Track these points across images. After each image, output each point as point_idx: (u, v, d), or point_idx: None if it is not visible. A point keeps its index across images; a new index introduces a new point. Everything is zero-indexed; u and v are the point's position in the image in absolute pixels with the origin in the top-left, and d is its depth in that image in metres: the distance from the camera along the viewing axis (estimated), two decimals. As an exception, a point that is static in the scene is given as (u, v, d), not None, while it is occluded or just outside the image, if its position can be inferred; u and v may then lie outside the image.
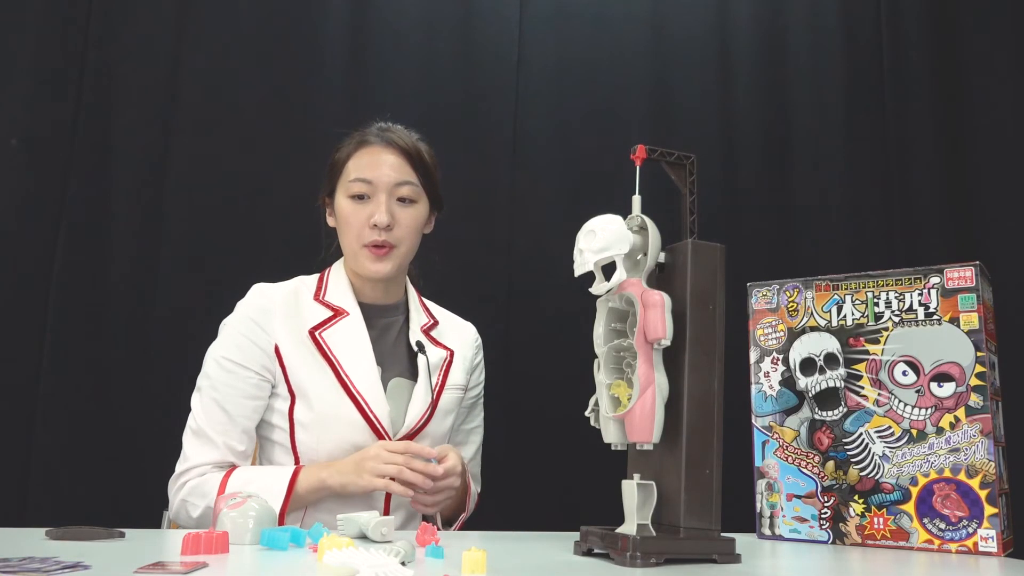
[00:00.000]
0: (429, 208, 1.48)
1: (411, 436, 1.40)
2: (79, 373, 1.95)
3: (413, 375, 1.46)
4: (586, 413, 1.07)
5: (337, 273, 1.49)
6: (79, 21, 2.07)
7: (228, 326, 1.41)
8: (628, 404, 0.99)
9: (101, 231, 2.02)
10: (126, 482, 1.91)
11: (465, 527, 1.47)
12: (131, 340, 1.99)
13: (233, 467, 1.36)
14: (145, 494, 1.68)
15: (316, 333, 1.40)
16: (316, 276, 1.50)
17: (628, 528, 0.99)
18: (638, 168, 1.06)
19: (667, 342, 0.99)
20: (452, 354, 1.51)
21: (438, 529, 1.24)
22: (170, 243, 2.05)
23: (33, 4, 2.04)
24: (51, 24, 2.05)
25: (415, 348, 1.45)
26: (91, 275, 2.00)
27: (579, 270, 1.03)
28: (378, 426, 1.37)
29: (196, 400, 1.39)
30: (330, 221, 1.50)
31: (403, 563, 0.85)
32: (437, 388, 1.46)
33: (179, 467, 1.36)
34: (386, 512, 1.37)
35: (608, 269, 1.03)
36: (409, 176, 1.44)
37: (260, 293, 1.43)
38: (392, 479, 1.27)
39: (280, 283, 1.46)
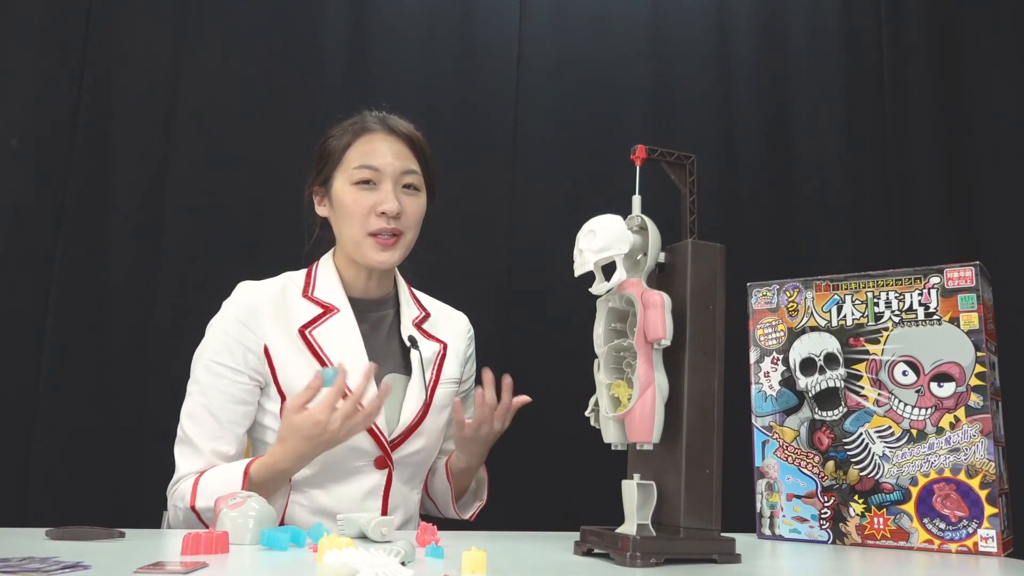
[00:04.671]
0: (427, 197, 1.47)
1: (407, 434, 1.39)
2: (79, 373, 1.95)
3: (407, 370, 1.44)
4: (586, 413, 1.07)
5: (326, 267, 1.46)
6: (79, 21, 2.06)
7: (215, 327, 1.38)
8: (628, 404, 0.99)
9: (101, 231, 2.02)
10: (126, 482, 1.91)
11: (465, 526, 1.47)
12: (131, 340, 1.99)
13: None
14: (145, 494, 1.69)
15: (306, 331, 1.37)
16: (303, 271, 1.47)
17: (628, 528, 0.99)
18: (638, 168, 1.06)
19: (667, 342, 0.99)
20: (445, 347, 1.49)
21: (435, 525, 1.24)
22: (170, 243, 2.04)
23: (33, 4, 2.04)
24: (51, 24, 2.05)
25: (407, 343, 1.43)
26: (91, 275, 1.99)
27: (579, 270, 1.03)
28: (373, 426, 1.35)
29: (185, 406, 1.36)
30: (320, 211, 1.47)
31: (403, 563, 0.85)
32: (431, 384, 1.44)
33: (173, 477, 1.35)
34: (384, 512, 1.37)
35: (608, 269, 1.03)
36: (413, 164, 1.43)
37: (246, 292, 1.40)
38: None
39: (267, 280, 1.43)
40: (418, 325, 1.48)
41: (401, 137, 1.43)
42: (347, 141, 1.42)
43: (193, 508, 1.27)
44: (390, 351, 1.45)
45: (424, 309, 1.52)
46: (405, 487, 1.41)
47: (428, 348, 1.46)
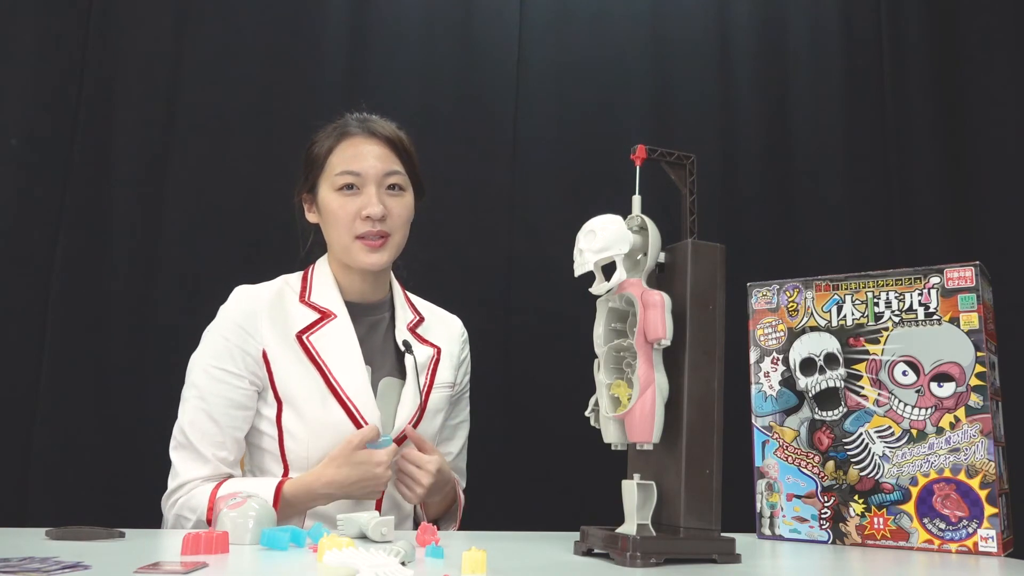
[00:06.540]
0: (414, 196, 1.46)
1: (401, 439, 1.39)
2: (79, 373, 1.95)
3: (402, 373, 1.44)
4: (586, 413, 1.07)
5: (321, 271, 1.46)
6: (79, 21, 2.06)
7: (214, 332, 1.38)
8: (628, 404, 0.99)
9: (101, 231, 2.02)
10: (126, 482, 1.91)
11: (465, 527, 1.47)
12: (131, 339, 1.99)
13: (223, 479, 1.33)
14: (145, 494, 1.68)
15: (303, 337, 1.37)
16: (299, 275, 1.47)
17: (628, 528, 0.99)
18: (638, 168, 1.06)
19: (667, 342, 0.99)
20: (439, 351, 1.49)
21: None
22: (170, 243, 2.04)
23: (33, 4, 2.04)
24: (51, 24, 2.05)
25: (402, 348, 1.43)
26: (91, 275, 1.99)
27: (579, 270, 1.03)
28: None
29: (183, 411, 1.35)
30: (310, 217, 1.48)
31: (403, 563, 0.85)
32: (425, 388, 1.44)
33: (171, 483, 1.33)
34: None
35: (608, 269, 1.03)
36: (395, 165, 1.42)
37: (245, 296, 1.40)
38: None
39: (263, 284, 1.43)
40: (412, 329, 1.48)
41: (381, 139, 1.42)
42: (328, 147, 1.42)
43: (210, 523, 1.26)
44: (386, 355, 1.45)
45: (418, 313, 1.51)
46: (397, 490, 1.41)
47: (422, 353, 1.46)
